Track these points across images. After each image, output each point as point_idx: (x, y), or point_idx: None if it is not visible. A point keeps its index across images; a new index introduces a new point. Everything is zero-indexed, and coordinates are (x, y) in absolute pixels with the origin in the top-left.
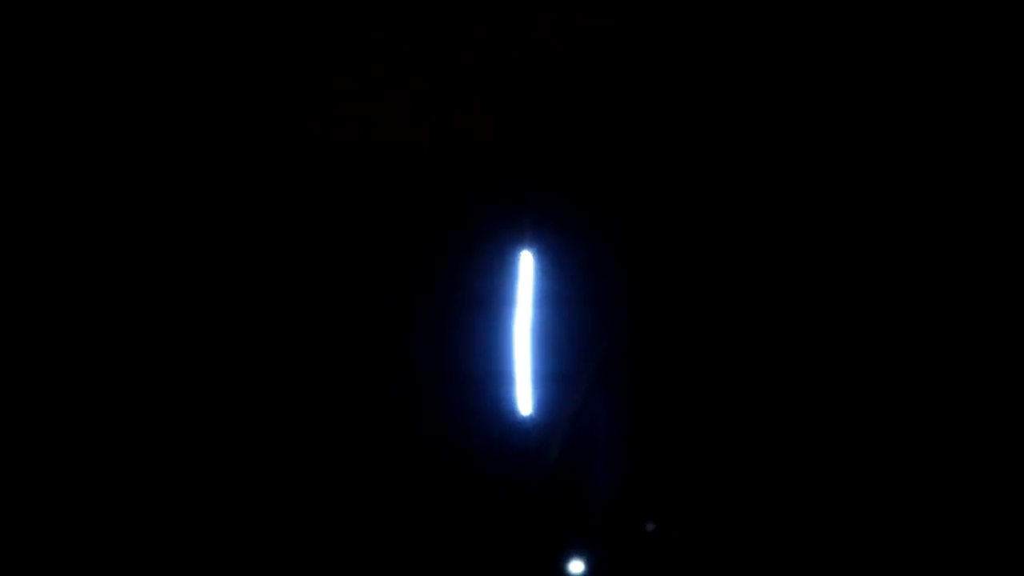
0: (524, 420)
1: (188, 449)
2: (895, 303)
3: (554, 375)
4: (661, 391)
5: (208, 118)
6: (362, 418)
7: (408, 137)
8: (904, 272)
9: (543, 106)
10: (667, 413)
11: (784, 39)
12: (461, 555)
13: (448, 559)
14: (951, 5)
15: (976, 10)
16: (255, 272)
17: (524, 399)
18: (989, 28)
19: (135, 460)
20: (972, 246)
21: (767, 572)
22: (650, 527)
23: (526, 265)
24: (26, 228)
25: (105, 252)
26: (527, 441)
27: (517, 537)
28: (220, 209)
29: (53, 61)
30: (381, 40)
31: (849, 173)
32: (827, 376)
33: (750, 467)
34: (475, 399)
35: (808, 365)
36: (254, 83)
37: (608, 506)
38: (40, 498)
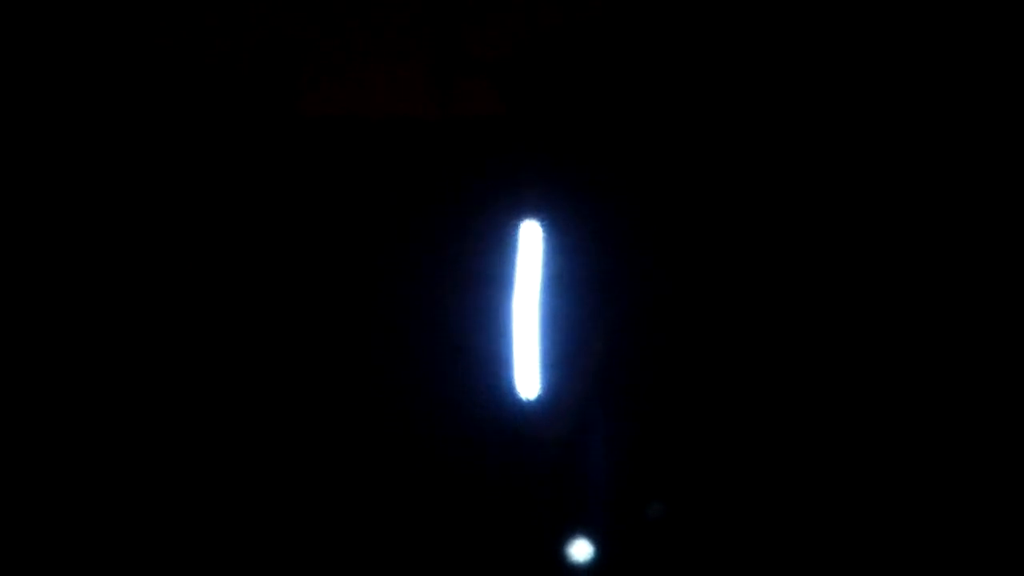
0: (527, 404)
1: (192, 395)
2: (907, 303)
3: (559, 356)
4: (672, 374)
5: (208, 94)
6: (359, 399)
7: (413, 111)
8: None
9: (550, 78)
10: (678, 398)
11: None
12: (459, 542)
13: (446, 546)
14: (951, 5)
15: (976, 10)
16: (252, 249)
17: (528, 382)
18: (989, 28)
19: (133, 449)
20: (995, 246)
21: (767, 571)
22: (653, 513)
23: (531, 241)
24: (19, 210)
25: (109, 236)
26: (529, 425)
27: (517, 524)
28: (221, 186)
29: (42, 30)
30: (384, 11)
31: (879, 143)
32: (846, 368)
33: (769, 456)
34: (479, 381)
35: (827, 354)
36: (252, 56)
37: (611, 494)
38: (40, 498)
